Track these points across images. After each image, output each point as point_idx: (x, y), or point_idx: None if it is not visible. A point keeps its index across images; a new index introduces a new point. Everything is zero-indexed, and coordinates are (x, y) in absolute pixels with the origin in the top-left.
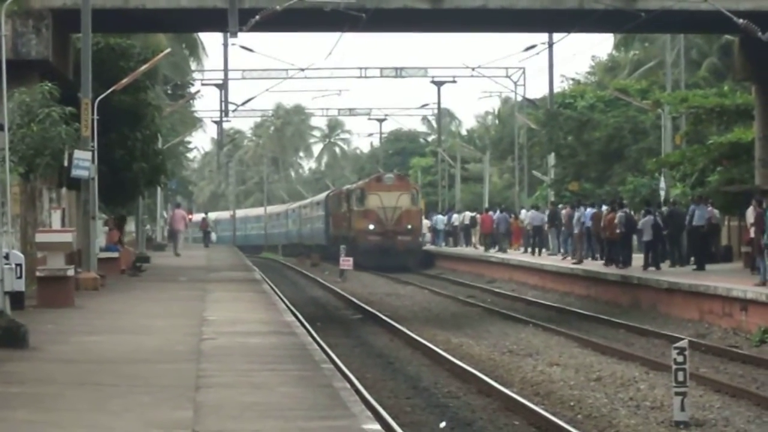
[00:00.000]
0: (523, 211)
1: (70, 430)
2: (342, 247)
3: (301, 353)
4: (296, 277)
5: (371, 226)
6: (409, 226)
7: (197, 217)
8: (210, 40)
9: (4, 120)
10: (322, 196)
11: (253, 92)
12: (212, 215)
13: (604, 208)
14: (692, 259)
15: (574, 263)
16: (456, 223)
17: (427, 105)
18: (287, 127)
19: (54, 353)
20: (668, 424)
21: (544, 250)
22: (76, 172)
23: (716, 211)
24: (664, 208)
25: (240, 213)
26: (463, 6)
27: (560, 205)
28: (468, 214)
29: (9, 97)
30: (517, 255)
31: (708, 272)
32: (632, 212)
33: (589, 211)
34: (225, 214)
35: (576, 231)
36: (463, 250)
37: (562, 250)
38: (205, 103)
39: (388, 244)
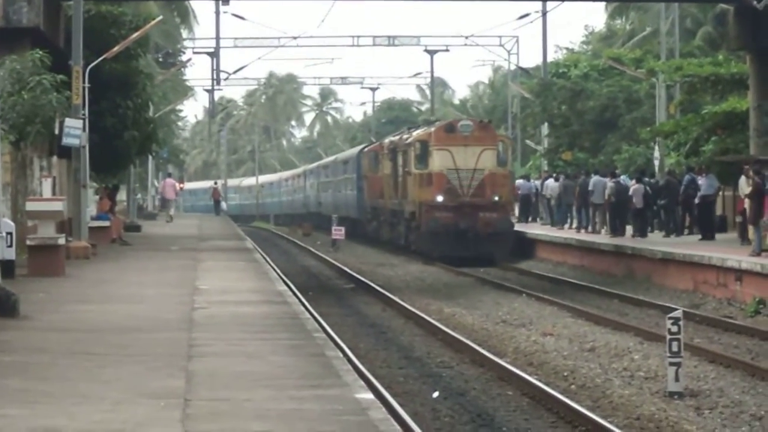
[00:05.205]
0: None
1: (62, 398)
2: (333, 216)
3: (294, 322)
4: (288, 246)
5: (439, 198)
6: (496, 198)
7: (189, 185)
8: (201, 8)
9: None
10: (354, 151)
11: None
12: (252, 180)
13: (623, 178)
14: (686, 230)
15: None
16: None
17: (420, 74)
18: (279, 95)
19: (45, 322)
20: (662, 394)
21: (538, 219)
22: (67, 141)
23: None
24: (658, 178)
25: (236, 182)
26: None
27: (553, 175)
28: None
29: (0, 65)
30: None
31: (702, 242)
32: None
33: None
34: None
35: (601, 201)
36: None
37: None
38: (197, 71)
39: (466, 223)
